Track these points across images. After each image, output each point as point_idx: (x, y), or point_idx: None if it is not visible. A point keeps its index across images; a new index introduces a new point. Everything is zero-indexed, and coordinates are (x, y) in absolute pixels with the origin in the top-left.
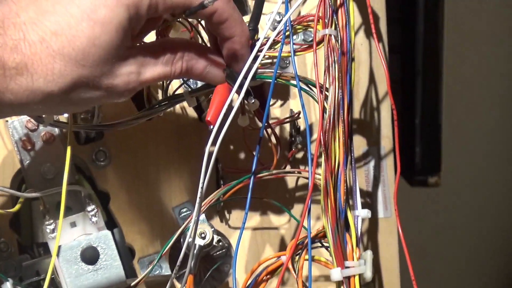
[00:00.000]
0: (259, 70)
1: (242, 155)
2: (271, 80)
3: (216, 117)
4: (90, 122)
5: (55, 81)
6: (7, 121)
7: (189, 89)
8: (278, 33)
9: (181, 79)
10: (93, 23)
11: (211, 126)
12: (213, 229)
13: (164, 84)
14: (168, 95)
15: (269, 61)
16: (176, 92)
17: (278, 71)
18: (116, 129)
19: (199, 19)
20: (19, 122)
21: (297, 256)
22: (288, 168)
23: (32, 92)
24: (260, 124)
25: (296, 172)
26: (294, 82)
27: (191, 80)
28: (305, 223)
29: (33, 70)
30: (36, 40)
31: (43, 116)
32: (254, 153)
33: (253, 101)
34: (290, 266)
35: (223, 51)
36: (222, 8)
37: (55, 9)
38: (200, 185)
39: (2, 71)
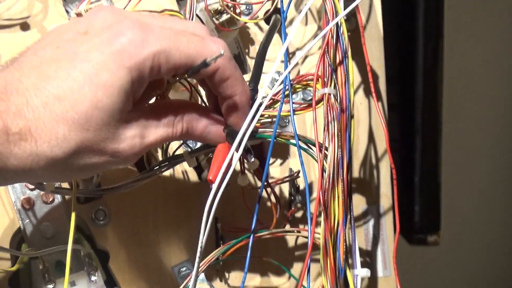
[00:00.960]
0: (259, 130)
1: (241, 215)
2: (270, 139)
3: (216, 176)
4: (89, 182)
5: (59, 146)
6: None
7: (189, 150)
8: (277, 92)
9: (180, 140)
10: (95, 87)
11: (211, 185)
12: None
13: (164, 144)
14: (168, 155)
15: (269, 120)
16: (176, 153)
17: (277, 130)
18: (117, 192)
19: (200, 79)
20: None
21: None
22: (287, 227)
23: (37, 157)
24: (259, 184)
25: (295, 231)
26: (293, 141)
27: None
28: (305, 283)
29: (37, 135)
30: (39, 105)
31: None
32: (253, 213)
33: (252, 160)
34: None
35: (223, 109)
36: (224, 66)
37: (57, 74)
38: (200, 244)
39: (6, 136)
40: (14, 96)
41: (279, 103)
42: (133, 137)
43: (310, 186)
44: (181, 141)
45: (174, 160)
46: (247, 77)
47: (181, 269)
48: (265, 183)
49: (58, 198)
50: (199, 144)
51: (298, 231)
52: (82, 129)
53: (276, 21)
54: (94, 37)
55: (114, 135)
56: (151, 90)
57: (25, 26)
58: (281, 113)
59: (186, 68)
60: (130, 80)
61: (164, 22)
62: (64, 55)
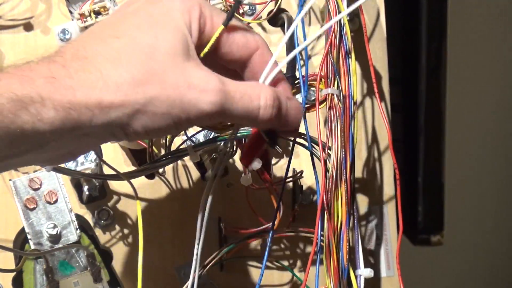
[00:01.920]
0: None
1: (244, 215)
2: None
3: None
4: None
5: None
6: (10, 180)
7: (192, 144)
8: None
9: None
10: (155, 35)
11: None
12: None
13: (167, 141)
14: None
15: None
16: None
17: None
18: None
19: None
20: (22, 182)
21: None
22: (291, 227)
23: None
24: (262, 184)
25: (299, 231)
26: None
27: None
28: (311, 284)
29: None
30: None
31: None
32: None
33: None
34: None
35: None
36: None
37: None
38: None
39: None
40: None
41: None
42: (209, 75)
43: (313, 186)
44: (185, 137)
45: (177, 153)
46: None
47: (185, 269)
48: (268, 183)
49: (61, 197)
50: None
51: (302, 232)
52: (147, 84)
53: (289, 19)
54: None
55: (182, 67)
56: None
57: (28, 27)
58: None
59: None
60: (184, 22)
61: None
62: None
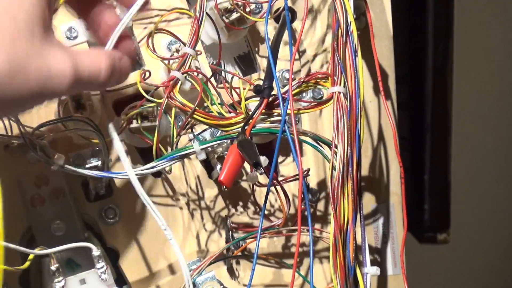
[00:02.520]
0: (270, 125)
1: (250, 213)
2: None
3: (229, 178)
4: (99, 181)
5: None
6: (17, 179)
7: (199, 142)
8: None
9: (190, 135)
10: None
11: (224, 187)
12: (222, 286)
13: (174, 139)
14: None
15: (279, 118)
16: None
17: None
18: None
19: None
20: (28, 180)
21: None
22: (297, 225)
23: None
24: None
25: (305, 229)
26: (303, 137)
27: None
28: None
29: None
30: None
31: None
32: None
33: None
34: None
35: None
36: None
37: None
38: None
39: None
40: None
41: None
42: (63, 54)
43: (319, 184)
44: (192, 135)
45: (184, 152)
46: (258, 75)
47: (191, 267)
48: (275, 182)
49: (67, 196)
50: (208, 138)
51: (308, 230)
52: (5, 44)
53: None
54: None
55: (41, 50)
56: None
57: None
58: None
59: None
60: None
61: None
62: None
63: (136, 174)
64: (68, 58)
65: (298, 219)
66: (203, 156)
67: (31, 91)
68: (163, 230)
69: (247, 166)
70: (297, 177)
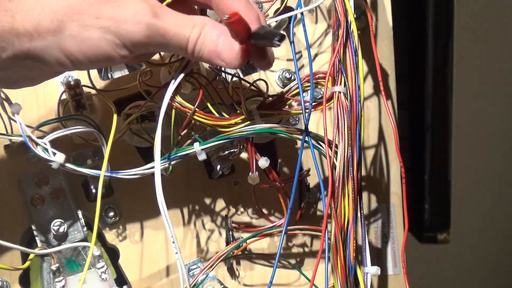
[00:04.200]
0: (271, 125)
1: (251, 212)
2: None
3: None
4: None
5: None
6: (18, 179)
7: (199, 142)
8: (288, 91)
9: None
10: None
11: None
12: (222, 286)
13: (174, 140)
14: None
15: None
16: (187, 145)
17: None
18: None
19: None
20: (28, 179)
21: None
22: (297, 225)
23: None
24: (269, 182)
25: (306, 229)
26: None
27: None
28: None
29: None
30: None
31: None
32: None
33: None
34: None
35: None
36: None
37: None
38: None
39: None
40: None
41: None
42: (142, 9)
43: (320, 184)
44: (192, 134)
45: (185, 152)
46: (258, 75)
47: (191, 267)
48: (275, 182)
49: (68, 195)
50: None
51: (309, 229)
52: None
53: (281, 23)
54: None
55: (120, 3)
56: None
57: None
58: (292, 111)
59: None
60: None
61: None
62: None
63: (135, 174)
64: (147, 12)
65: (324, 221)
66: (203, 156)
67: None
68: (171, 243)
69: (247, 166)
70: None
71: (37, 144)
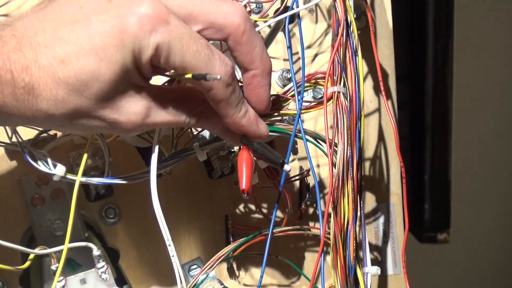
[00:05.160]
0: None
1: (251, 213)
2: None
3: (250, 185)
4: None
5: (56, 106)
6: (18, 179)
7: (199, 143)
8: (287, 91)
9: (191, 134)
10: (99, 59)
11: (245, 195)
12: (222, 286)
13: (174, 141)
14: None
15: (279, 118)
16: (186, 146)
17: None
18: (125, 183)
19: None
20: (29, 180)
21: None
22: (298, 225)
23: (36, 111)
24: (269, 182)
25: (306, 229)
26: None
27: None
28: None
29: (38, 93)
30: (46, 64)
31: (55, 173)
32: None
33: (289, 169)
34: None
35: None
36: (218, 89)
37: (68, 37)
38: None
39: (12, 89)
40: (26, 48)
41: (288, 102)
42: (136, 113)
43: (320, 183)
44: (192, 135)
45: (184, 153)
46: None
47: (191, 267)
48: (276, 181)
49: (68, 195)
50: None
51: (309, 229)
52: (81, 95)
53: (278, 24)
54: (114, 9)
55: (114, 106)
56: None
57: None
58: (291, 111)
59: (183, 72)
60: (132, 61)
61: (191, 13)
62: (81, 18)
63: (139, 178)
64: (143, 110)
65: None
66: (203, 156)
67: None
68: (167, 246)
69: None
70: (299, 176)
71: (36, 156)
